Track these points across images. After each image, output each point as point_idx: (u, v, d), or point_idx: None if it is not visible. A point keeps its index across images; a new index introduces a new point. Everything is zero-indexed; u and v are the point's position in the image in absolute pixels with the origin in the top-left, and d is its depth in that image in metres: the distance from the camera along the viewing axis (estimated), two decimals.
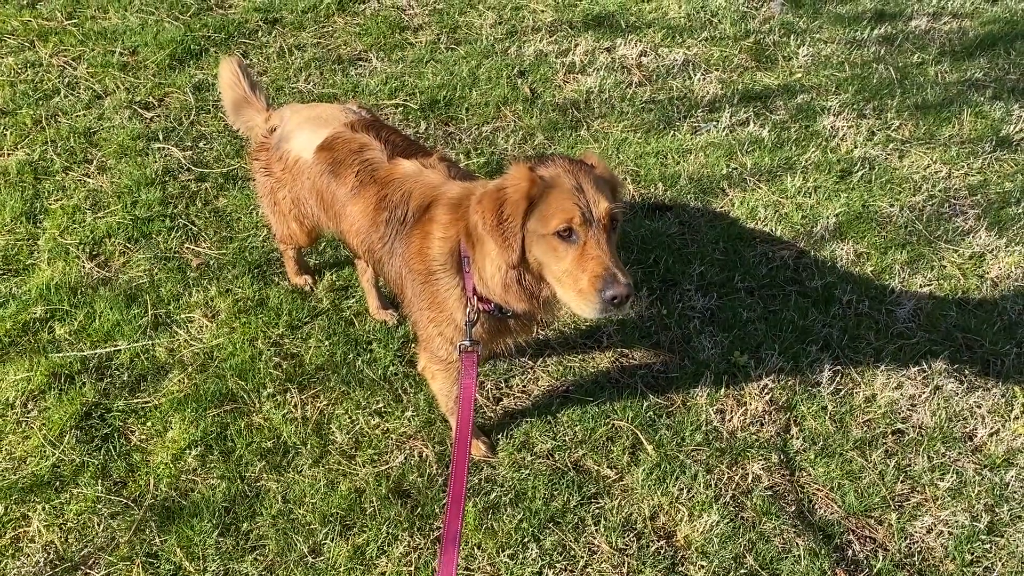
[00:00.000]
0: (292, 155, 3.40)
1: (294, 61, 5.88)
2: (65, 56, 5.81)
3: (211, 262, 4.44)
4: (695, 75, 6.12)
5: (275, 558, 3.26)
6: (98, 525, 3.32)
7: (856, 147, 5.52)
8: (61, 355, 3.89)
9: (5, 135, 5.13)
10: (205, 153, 5.13)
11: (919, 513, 3.59)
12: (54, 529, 3.30)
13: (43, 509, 3.36)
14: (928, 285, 4.60)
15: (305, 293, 4.29)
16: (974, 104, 6.02)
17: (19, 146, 5.08)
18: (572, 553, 3.35)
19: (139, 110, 5.42)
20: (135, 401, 3.77)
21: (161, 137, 5.20)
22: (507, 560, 3.30)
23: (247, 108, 3.79)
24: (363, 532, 3.36)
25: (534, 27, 6.44)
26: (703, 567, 3.33)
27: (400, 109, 5.59)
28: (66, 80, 5.62)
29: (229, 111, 3.90)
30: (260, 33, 6.12)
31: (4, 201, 4.63)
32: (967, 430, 3.90)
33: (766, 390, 4.00)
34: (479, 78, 5.89)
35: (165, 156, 5.07)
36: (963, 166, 5.47)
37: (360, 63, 6.00)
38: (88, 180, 4.89)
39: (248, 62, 5.84)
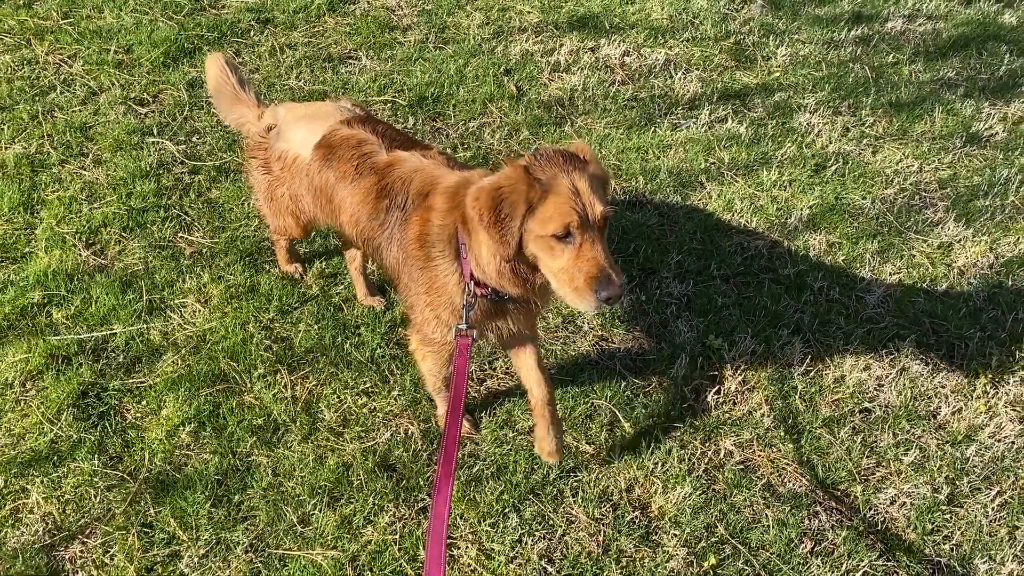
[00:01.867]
0: (291, 154, 3.50)
1: (285, 59, 6.04)
2: (61, 54, 5.95)
3: (204, 250, 4.58)
4: (676, 74, 6.30)
5: (265, 527, 3.40)
6: (95, 497, 3.46)
7: (831, 143, 5.70)
8: (59, 338, 4.02)
9: (2, 129, 5.27)
10: (198, 147, 5.28)
11: (883, 486, 3.75)
12: (52, 501, 3.43)
13: (41, 482, 3.49)
14: (897, 273, 4.77)
15: (295, 280, 4.44)
16: (946, 102, 6.21)
17: (16, 140, 5.22)
18: (551, 522, 3.50)
19: (134, 106, 5.56)
20: (130, 381, 3.91)
21: (155, 132, 5.34)
22: (488, 529, 3.44)
23: (237, 104, 3.87)
24: (350, 503, 3.50)
25: (520, 27, 6.61)
26: (675, 535, 3.48)
27: (389, 105, 5.74)
28: (62, 77, 5.76)
29: (218, 106, 3.99)
30: (252, 32, 6.27)
31: (2, 192, 4.77)
32: (931, 409, 4.07)
33: (739, 371, 4.16)
34: (466, 76, 6.06)
35: (159, 150, 5.21)
36: (934, 161, 5.65)
37: (350, 61, 6.16)
38: (84, 173, 5.03)
39: (240, 60, 5.99)
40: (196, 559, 3.29)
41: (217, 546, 3.34)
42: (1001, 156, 5.74)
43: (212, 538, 3.35)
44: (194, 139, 5.36)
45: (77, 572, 3.24)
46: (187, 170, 5.09)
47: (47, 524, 3.36)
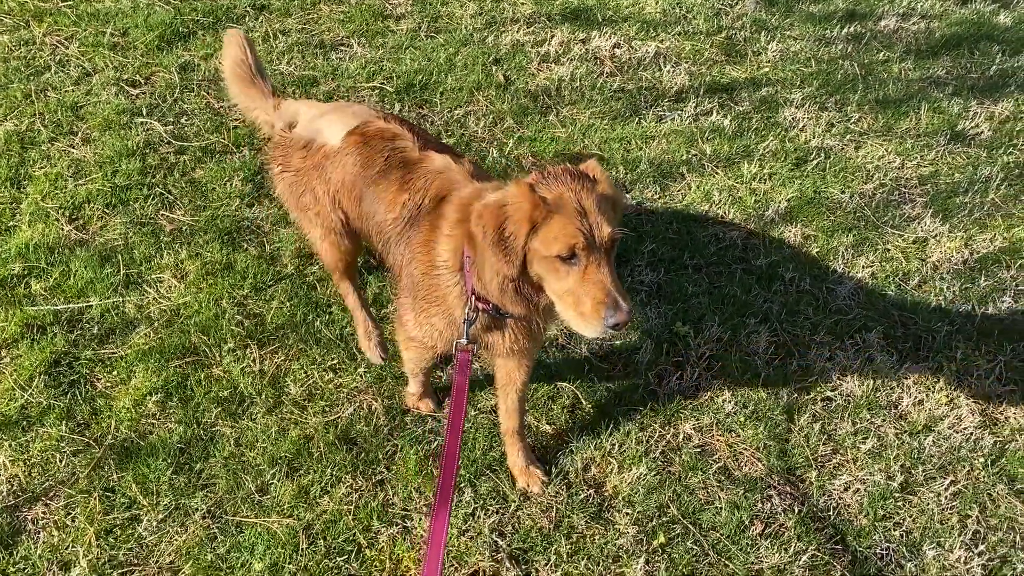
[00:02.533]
0: (317, 143, 3.42)
1: (278, 45, 6.12)
2: (58, 35, 6.05)
3: (184, 228, 4.67)
4: (665, 67, 6.34)
5: (224, 495, 3.48)
6: (60, 461, 3.54)
7: (814, 137, 5.72)
8: (35, 308, 4.12)
9: None
10: (186, 128, 5.37)
11: (839, 473, 3.79)
12: (19, 464, 3.52)
13: (9, 446, 3.58)
14: (870, 266, 4.80)
15: (370, 359, 4.14)
16: (933, 100, 6.22)
17: (8, 118, 5.32)
18: (505, 497, 3.56)
19: (125, 87, 5.66)
20: (103, 352, 3.99)
21: (145, 112, 5.43)
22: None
23: (251, 88, 3.76)
24: (309, 474, 3.57)
25: (513, 18, 6.66)
26: (627, 514, 3.54)
27: (376, 92, 5.81)
28: (57, 58, 5.86)
29: (232, 87, 3.84)
30: (247, 18, 6.36)
31: None
32: (893, 399, 4.10)
33: (704, 358, 4.20)
34: (455, 65, 6.12)
35: (147, 130, 5.30)
36: (916, 157, 5.67)
37: (342, 48, 6.23)
38: (72, 150, 5.12)
39: None
40: (155, 523, 3.37)
41: (176, 511, 3.42)
42: (985, 154, 5.75)
43: (171, 504, 3.43)
44: (182, 120, 5.44)
45: (39, 532, 3.32)
46: (173, 150, 5.18)
47: (12, 486, 3.45)
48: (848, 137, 5.81)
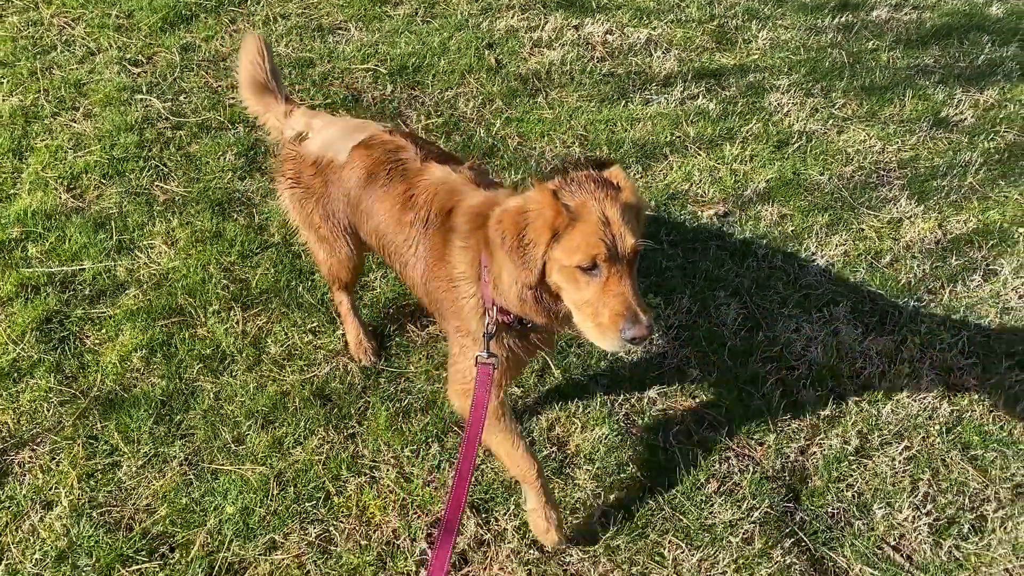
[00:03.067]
0: (327, 158, 3.39)
1: (277, 28, 6.31)
2: (65, 17, 6.27)
3: (177, 198, 4.85)
4: (655, 53, 6.47)
5: (201, 444, 3.65)
6: (48, 410, 3.72)
7: (797, 122, 5.83)
8: (31, 270, 4.31)
9: (2, 83, 5.58)
10: (183, 105, 5.56)
11: (797, 438, 3.90)
12: (8, 412, 3.71)
13: (1, 396, 3.76)
14: (843, 244, 4.91)
15: (365, 367, 4.09)
16: (919, 88, 6.32)
17: (14, 93, 5.53)
18: None
19: (128, 66, 5.86)
20: (93, 311, 4.18)
21: (145, 90, 5.63)
22: (409, 455, 3.67)
23: (264, 93, 3.71)
24: (283, 426, 3.73)
25: (508, 5, 6.82)
26: (587, 470, 3.67)
27: (370, 73, 5.98)
28: (64, 38, 6.08)
29: (245, 90, 3.79)
30: (249, 2, 6.54)
31: None
32: (855, 368, 4.21)
33: (672, 328, 4.33)
34: (449, 49, 6.28)
35: (146, 106, 5.50)
36: (897, 142, 5.77)
37: (339, 32, 6.41)
38: (74, 124, 5.32)
39: (235, 28, 6.26)
40: (134, 468, 3.54)
41: (155, 458, 3.59)
42: (966, 140, 5.84)
43: (151, 451, 3.60)
44: (181, 98, 5.63)
45: (24, 475, 3.50)
46: (170, 126, 5.37)
47: (1, 432, 3.62)
48: (831, 122, 5.91)
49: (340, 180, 3.33)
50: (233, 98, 5.67)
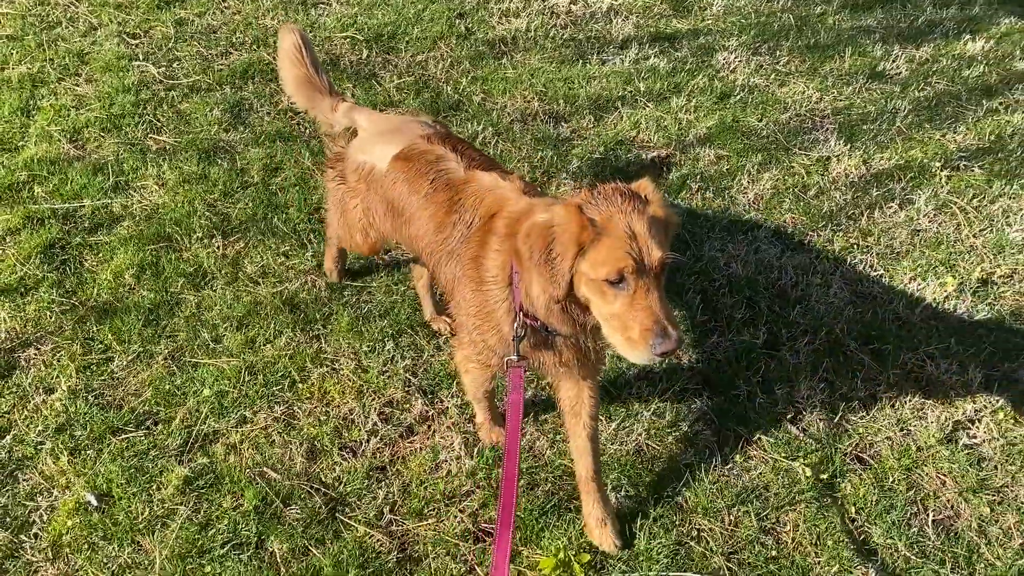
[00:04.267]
0: (367, 165, 3.47)
1: (264, 3, 6.85)
2: None
3: (168, 147, 5.39)
4: (616, 20, 6.97)
5: (184, 343, 4.17)
6: (50, 318, 4.26)
7: (742, 77, 6.31)
8: (36, 206, 4.86)
9: (12, 54, 6.15)
10: (176, 71, 6.11)
11: (711, 335, 4.38)
12: (16, 319, 4.24)
13: (9, 306, 4.30)
14: (774, 179, 5.39)
15: (331, 283, 4.53)
16: (860, 46, 6.79)
17: (22, 62, 6.10)
18: (420, 348, 4.22)
19: (126, 38, 6.42)
20: (91, 239, 4.72)
21: (141, 58, 6.19)
22: (366, 350, 4.17)
23: (310, 88, 3.80)
24: (255, 328, 4.25)
25: None
26: None
27: (348, 40, 6.51)
28: (68, 15, 6.65)
29: (291, 87, 3.88)
30: None
31: (4, 100, 5.64)
32: (772, 279, 4.68)
33: None
34: (423, 19, 6.81)
35: (142, 72, 6.05)
36: (834, 92, 6.25)
37: (321, 5, 6.96)
38: (76, 88, 5.89)
39: (225, 3, 6.81)
40: (125, 363, 4.07)
41: (143, 354, 4.11)
42: (899, 90, 6.30)
43: (140, 349, 4.13)
44: (174, 65, 6.18)
45: (29, 368, 4.04)
46: (163, 88, 5.92)
47: (10, 335, 4.16)
48: (774, 76, 6.40)
49: (381, 188, 3.42)
50: (223, 64, 6.21)
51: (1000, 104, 6.18)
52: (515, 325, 2.80)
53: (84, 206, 4.89)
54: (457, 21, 6.82)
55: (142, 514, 3.45)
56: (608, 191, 2.53)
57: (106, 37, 6.40)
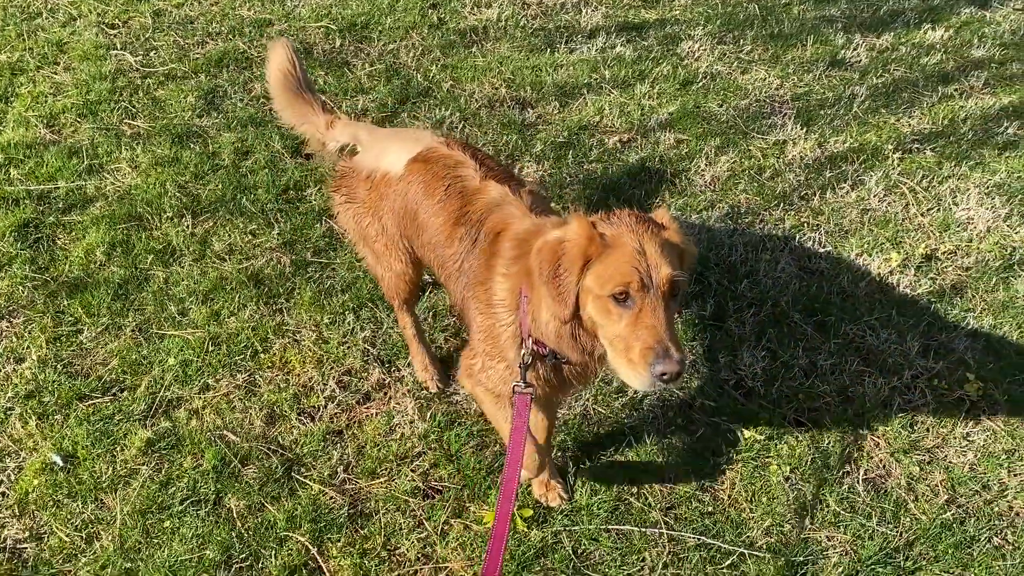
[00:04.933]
0: (380, 171, 3.32)
1: None
2: None
3: (142, 132, 5.55)
4: (585, 10, 7.14)
5: (151, 315, 4.33)
6: (23, 292, 4.41)
7: (705, 64, 6.48)
8: (12, 188, 5.01)
9: None
10: (153, 60, 6.27)
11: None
12: None
13: None
14: (730, 162, 5.56)
15: (431, 392, 4.10)
16: (822, 35, 6.96)
17: (2, 51, 6.26)
18: (379, 320, 4.38)
19: (105, 28, 6.58)
20: (64, 219, 4.87)
21: (119, 47, 6.34)
22: (328, 323, 4.34)
23: (300, 102, 3.66)
24: (221, 302, 4.41)
25: None
26: None
27: (322, 30, 6.67)
28: (48, 6, 6.82)
29: (278, 99, 3.72)
30: None
31: None
32: (720, 255, 4.85)
33: None
34: (396, 8, 6.97)
35: (120, 60, 6.21)
36: (794, 79, 6.42)
37: None
38: (55, 76, 6.04)
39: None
40: (94, 334, 4.23)
41: (111, 326, 4.27)
42: (858, 77, 6.48)
43: (108, 321, 4.29)
44: (151, 54, 6.34)
45: (0, 340, 4.19)
46: (140, 75, 6.08)
47: None
48: (736, 64, 6.57)
49: (396, 193, 3.26)
50: (199, 54, 6.37)
51: (956, 90, 6.35)
52: (522, 352, 2.72)
53: (59, 188, 5.05)
54: (430, 11, 6.97)
55: (105, 474, 3.61)
56: (623, 213, 2.49)
57: (85, 27, 6.55)
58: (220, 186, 5.12)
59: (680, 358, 2.31)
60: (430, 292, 4.53)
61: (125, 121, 5.64)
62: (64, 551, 3.35)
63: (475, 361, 3.04)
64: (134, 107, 5.75)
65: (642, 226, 2.44)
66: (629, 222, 2.45)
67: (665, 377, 2.32)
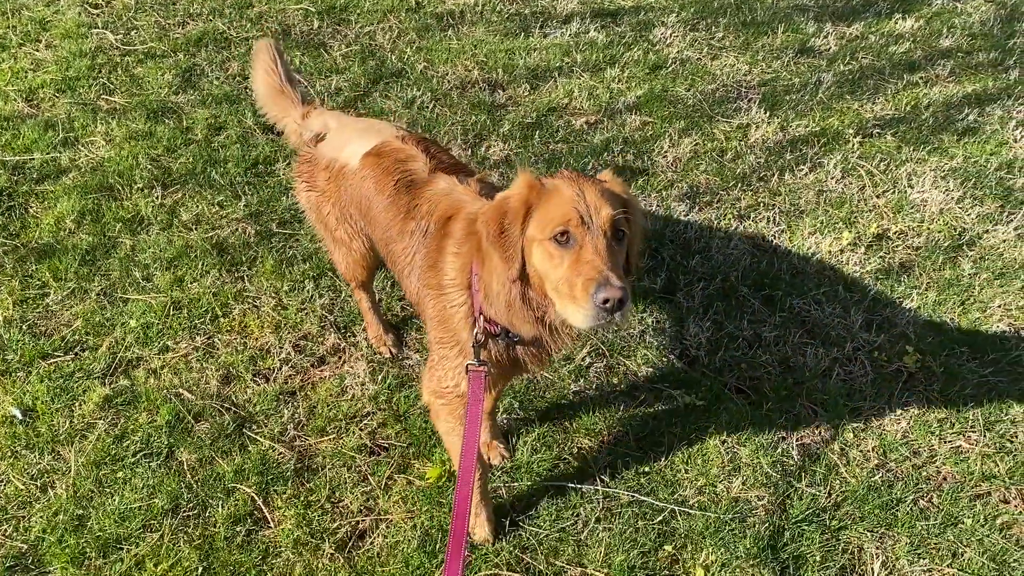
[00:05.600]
0: (339, 163, 3.34)
1: None
2: None
3: (118, 108, 5.68)
4: None
5: (116, 280, 4.46)
6: None
7: (676, 51, 6.60)
8: None
9: None
10: (134, 39, 6.40)
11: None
12: None
13: None
14: (693, 144, 5.68)
15: (386, 358, 4.22)
16: (794, 23, 7.07)
17: None
18: (338, 288, 4.50)
19: (88, 8, 6.71)
20: (37, 188, 5.01)
21: (101, 26, 6.47)
22: (287, 290, 4.47)
23: (280, 97, 3.73)
24: (184, 268, 4.54)
25: None
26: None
27: (302, 12, 6.80)
28: None
29: (261, 97, 3.81)
30: None
31: None
32: (676, 232, 4.97)
33: None
34: None
35: (101, 39, 6.35)
36: (763, 66, 6.53)
37: None
38: (36, 53, 6.18)
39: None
40: (60, 298, 4.36)
41: (77, 290, 4.41)
42: (825, 64, 6.59)
43: (75, 285, 4.42)
44: (132, 33, 6.47)
45: None
46: (119, 53, 6.21)
47: None
48: (707, 51, 6.68)
49: (352, 186, 3.29)
50: (179, 34, 6.49)
51: (921, 78, 6.46)
52: (475, 331, 2.70)
53: (34, 159, 5.18)
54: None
55: (63, 427, 3.74)
56: (566, 171, 2.54)
57: (68, 6, 6.68)
58: (191, 159, 5.24)
59: (621, 285, 2.25)
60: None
61: (102, 97, 5.76)
62: (19, 498, 3.48)
63: (431, 362, 3.03)
64: (112, 84, 5.87)
65: (583, 177, 2.49)
66: (572, 176, 2.50)
67: (608, 304, 2.25)
